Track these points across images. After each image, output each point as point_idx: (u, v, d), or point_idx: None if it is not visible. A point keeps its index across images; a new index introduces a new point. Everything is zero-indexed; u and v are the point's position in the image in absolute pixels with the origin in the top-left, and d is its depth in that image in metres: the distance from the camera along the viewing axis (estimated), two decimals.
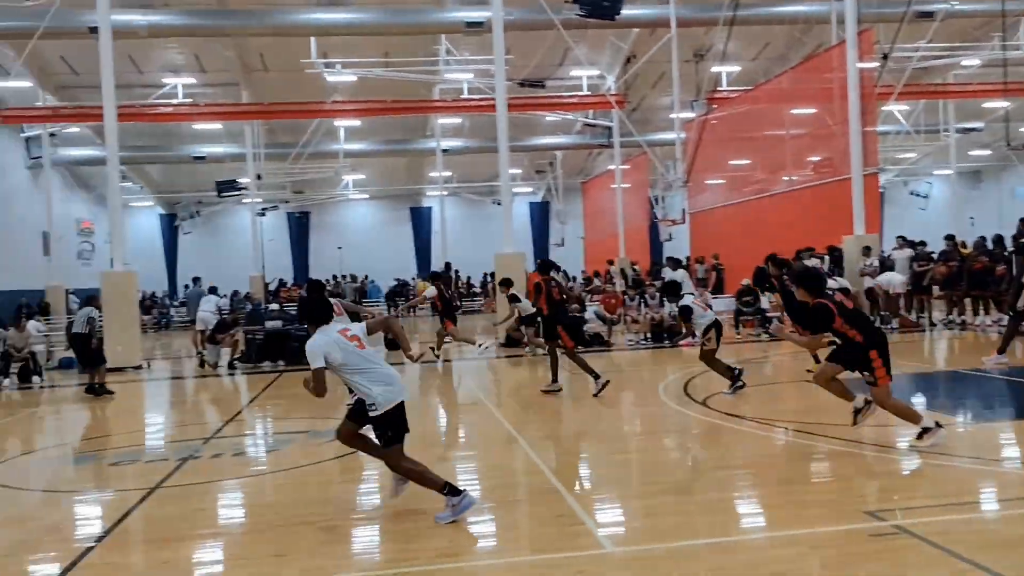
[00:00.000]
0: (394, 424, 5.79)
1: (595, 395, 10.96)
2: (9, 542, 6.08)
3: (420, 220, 46.07)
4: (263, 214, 38.09)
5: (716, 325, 10.74)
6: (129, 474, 8.17)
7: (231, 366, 17.25)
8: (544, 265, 12.51)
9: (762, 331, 18.13)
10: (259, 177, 35.39)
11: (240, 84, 32.50)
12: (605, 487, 6.93)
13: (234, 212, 43.20)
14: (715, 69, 28.42)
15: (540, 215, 46.68)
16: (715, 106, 28.17)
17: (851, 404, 7.53)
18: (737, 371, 10.62)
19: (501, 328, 18.09)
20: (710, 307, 11.74)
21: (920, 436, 7.21)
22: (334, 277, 39.83)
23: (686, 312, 10.75)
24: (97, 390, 14.01)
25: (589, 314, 19.07)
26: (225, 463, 8.43)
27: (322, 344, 5.77)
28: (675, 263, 20.22)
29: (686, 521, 5.73)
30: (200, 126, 35.19)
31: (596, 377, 11.05)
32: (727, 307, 19.98)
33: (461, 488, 5.82)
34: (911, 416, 7.38)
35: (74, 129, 34.26)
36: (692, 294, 12.63)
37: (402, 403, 5.83)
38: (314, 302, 6.30)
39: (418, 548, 5.32)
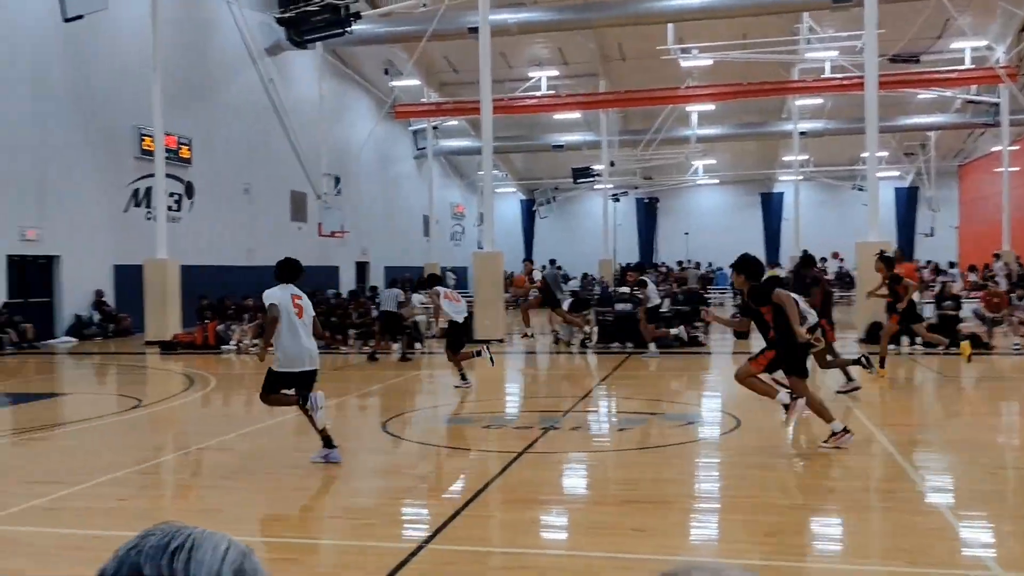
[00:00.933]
0: (280, 380, 7.49)
1: (837, 392, 10.63)
2: (395, 488, 6.99)
3: (771, 206, 44.57)
4: (617, 199, 39.23)
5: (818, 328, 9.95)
6: (500, 437, 8.97)
7: (583, 345, 18.09)
8: (808, 259, 12.13)
9: None
10: (612, 164, 36.51)
11: (599, 74, 33.71)
12: (983, 502, 6.29)
13: (587, 197, 45.00)
14: None
15: (907, 201, 42.93)
16: None
17: (775, 400, 7.75)
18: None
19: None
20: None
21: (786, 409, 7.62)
22: (679, 263, 39.98)
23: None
24: (404, 356, 16.12)
25: (966, 312, 17.24)
26: (583, 436, 8.93)
27: (276, 294, 7.37)
28: None
29: None
30: (560, 116, 37.07)
31: (851, 374, 10.82)
32: None
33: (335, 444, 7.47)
34: (767, 391, 7.73)
35: (452, 122, 37.89)
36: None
37: (296, 372, 7.43)
38: (287, 263, 7.67)
39: (776, 542, 5.25)
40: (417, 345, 18.48)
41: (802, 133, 34.89)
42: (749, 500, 6.21)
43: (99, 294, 21.86)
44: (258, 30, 25.92)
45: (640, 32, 28.99)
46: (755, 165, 42.91)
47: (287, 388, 7.56)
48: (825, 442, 7.57)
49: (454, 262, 40.78)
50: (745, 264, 8.04)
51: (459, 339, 12.39)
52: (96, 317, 21.65)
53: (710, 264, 40.59)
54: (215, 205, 25.91)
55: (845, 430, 7.56)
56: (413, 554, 5.00)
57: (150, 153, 21.32)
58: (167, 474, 7.90)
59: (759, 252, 43.73)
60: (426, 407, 11.79)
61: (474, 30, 20.26)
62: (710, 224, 44.46)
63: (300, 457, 8.32)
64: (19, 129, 19.56)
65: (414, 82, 32.92)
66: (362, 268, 35.51)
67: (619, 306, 18.42)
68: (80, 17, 17.01)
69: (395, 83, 31.62)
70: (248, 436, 9.25)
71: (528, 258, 17.94)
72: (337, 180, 28.28)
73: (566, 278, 33.09)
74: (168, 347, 18.77)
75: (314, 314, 7.68)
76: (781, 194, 43.53)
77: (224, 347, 18.71)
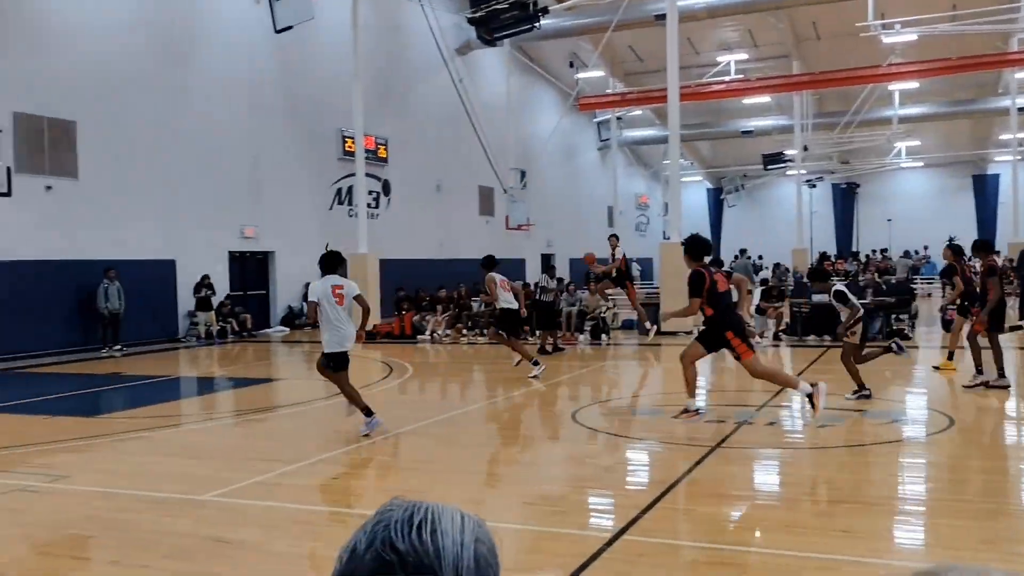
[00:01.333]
0: (335, 360, 8.49)
1: (965, 386, 10.33)
2: (584, 477, 7.04)
3: (985, 189, 41.12)
4: (814, 186, 37.54)
5: (864, 319, 10.06)
6: (691, 430, 8.83)
7: (776, 337, 17.48)
8: (985, 244, 11.08)
9: None
10: (805, 148, 34.96)
11: (791, 55, 32.36)
12: None
13: (778, 184, 43.34)
14: None
15: None
16: None
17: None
18: (867, 391, 9.83)
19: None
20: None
21: (811, 403, 7.85)
22: (881, 251, 37.69)
23: (840, 297, 10.04)
24: (549, 351, 15.76)
25: None
26: (779, 432, 8.64)
27: (318, 289, 8.44)
28: None
29: None
30: (749, 101, 35.91)
31: (982, 369, 10.39)
32: None
33: (373, 411, 8.52)
34: (788, 381, 8.14)
35: (636, 112, 37.59)
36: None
37: (342, 352, 8.46)
38: (327, 256, 8.65)
39: (995, 550, 4.88)
40: (603, 337, 18.53)
41: (1021, 109, 31.88)
42: (963, 504, 5.80)
43: (308, 286, 23.41)
44: (449, 31, 26.81)
45: (836, 9, 27.52)
46: (966, 145, 39.71)
47: (332, 363, 8.60)
48: (676, 416, 8.42)
49: (638, 253, 40.47)
50: (690, 244, 8.31)
51: (515, 326, 13.21)
52: (305, 308, 23.22)
53: (916, 252, 38.02)
54: (409, 201, 27.09)
55: (698, 411, 8.39)
56: (608, 544, 5.05)
57: (351, 154, 22.59)
58: (372, 455, 8.36)
59: (971, 239, 40.70)
60: (615, 398, 11.80)
61: (661, 17, 19.99)
62: (915, 210, 41.62)
63: (495, 443, 8.58)
64: (237, 136, 21.29)
65: (598, 73, 32.91)
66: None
67: (816, 297, 17.62)
68: (290, 28, 18.27)
69: (580, 75, 31.75)
70: (444, 422, 9.64)
71: (614, 233, 17.06)
72: (523, 174, 28.81)
73: (757, 268, 32.08)
74: (368, 336, 19.76)
75: (357, 294, 8.68)
76: (997, 176, 40.07)
77: (419, 336, 19.55)
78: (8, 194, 13.05)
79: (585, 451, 8.21)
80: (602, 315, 18.77)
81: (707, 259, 8.45)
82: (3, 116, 14.55)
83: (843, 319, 10.11)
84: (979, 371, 10.42)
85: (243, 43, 21.31)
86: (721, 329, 7.98)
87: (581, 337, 18.38)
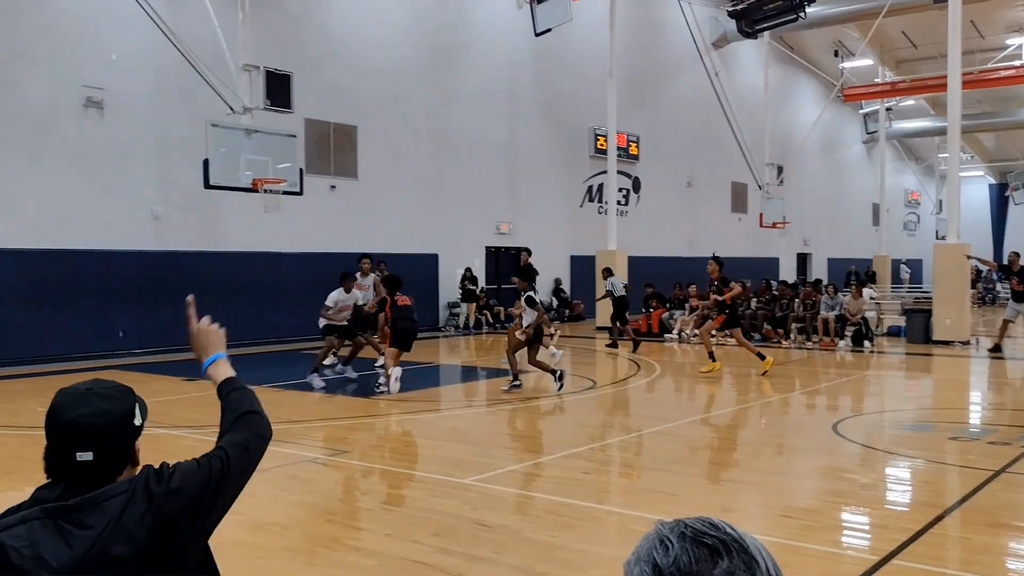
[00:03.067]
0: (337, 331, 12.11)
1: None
2: (853, 493, 6.66)
3: None
4: None
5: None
6: (969, 451, 8.10)
7: None
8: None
9: None
10: None
11: None
12: None
13: None
14: None
15: None
16: None
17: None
18: (518, 382, 11.40)
19: None
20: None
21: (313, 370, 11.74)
22: None
23: (530, 301, 11.17)
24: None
25: None
26: None
27: (333, 294, 11.89)
28: None
29: None
30: None
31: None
32: None
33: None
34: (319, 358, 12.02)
35: (908, 102, 34.88)
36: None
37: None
38: (343, 276, 12.10)
39: None
40: (866, 343, 17.43)
41: None
42: None
43: (557, 282, 24.04)
44: (705, 24, 26.34)
45: None
46: None
47: None
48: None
49: (906, 254, 37.58)
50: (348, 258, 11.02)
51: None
52: (555, 303, 23.85)
53: None
54: (659, 198, 26.95)
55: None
56: (876, 567, 4.77)
57: (603, 152, 22.86)
58: (619, 453, 8.44)
59: None
60: (881, 410, 11.08)
61: (941, 0, 18.40)
62: None
63: (747, 449, 8.36)
64: (496, 135, 22.25)
65: (866, 62, 30.94)
66: (803, 259, 34.35)
67: None
68: (548, 31, 18.79)
69: (845, 64, 29.99)
70: (692, 424, 9.53)
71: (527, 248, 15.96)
72: (780, 169, 27.70)
73: None
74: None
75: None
76: None
77: (667, 335, 19.41)
78: (300, 193, 14.49)
79: (846, 465, 7.77)
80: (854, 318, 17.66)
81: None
82: (297, 122, 16.19)
83: (526, 321, 11.18)
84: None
85: (504, 47, 22.21)
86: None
87: (841, 343, 17.41)
